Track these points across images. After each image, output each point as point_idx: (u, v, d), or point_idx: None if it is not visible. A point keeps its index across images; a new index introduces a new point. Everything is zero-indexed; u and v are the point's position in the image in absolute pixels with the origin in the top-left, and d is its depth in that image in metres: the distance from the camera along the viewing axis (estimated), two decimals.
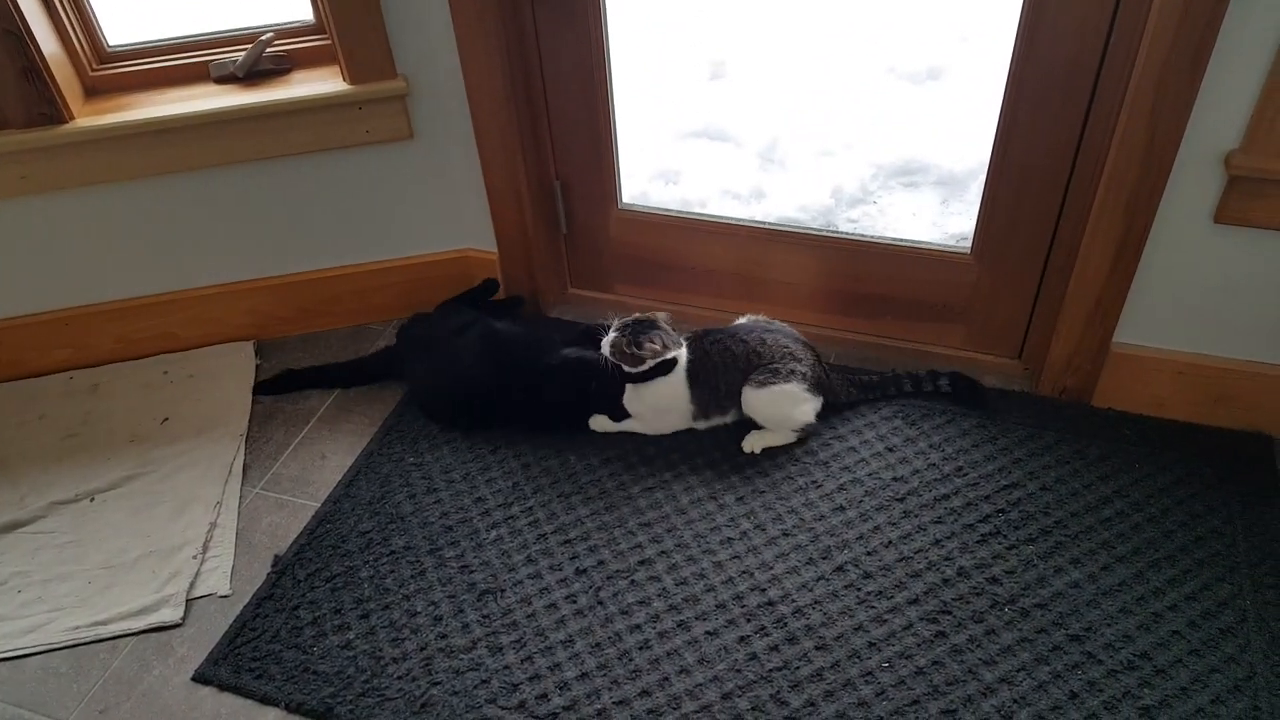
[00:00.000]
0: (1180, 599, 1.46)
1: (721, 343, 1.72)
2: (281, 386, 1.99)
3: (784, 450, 1.75)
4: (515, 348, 1.83)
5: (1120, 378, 1.76)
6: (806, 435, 1.76)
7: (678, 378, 1.70)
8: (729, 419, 1.77)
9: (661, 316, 1.71)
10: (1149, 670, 1.37)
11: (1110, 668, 1.37)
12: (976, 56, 2.94)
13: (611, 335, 1.68)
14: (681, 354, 1.70)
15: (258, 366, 2.06)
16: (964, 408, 1.81)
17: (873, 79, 2.94)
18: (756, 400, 1.70)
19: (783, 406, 1.70)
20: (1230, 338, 1.67)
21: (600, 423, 1.79)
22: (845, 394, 1.81)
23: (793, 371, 1.69)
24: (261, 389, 1.99)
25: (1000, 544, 1.55)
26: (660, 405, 1.73)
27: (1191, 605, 1.45)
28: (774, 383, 1.67)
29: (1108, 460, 1.69)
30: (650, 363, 1.66)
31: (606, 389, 1.73)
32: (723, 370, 1.71)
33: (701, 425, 1.77)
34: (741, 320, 1.83)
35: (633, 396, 1.74)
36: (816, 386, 1.73)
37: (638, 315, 1.70)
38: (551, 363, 1.76)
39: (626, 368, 1.67)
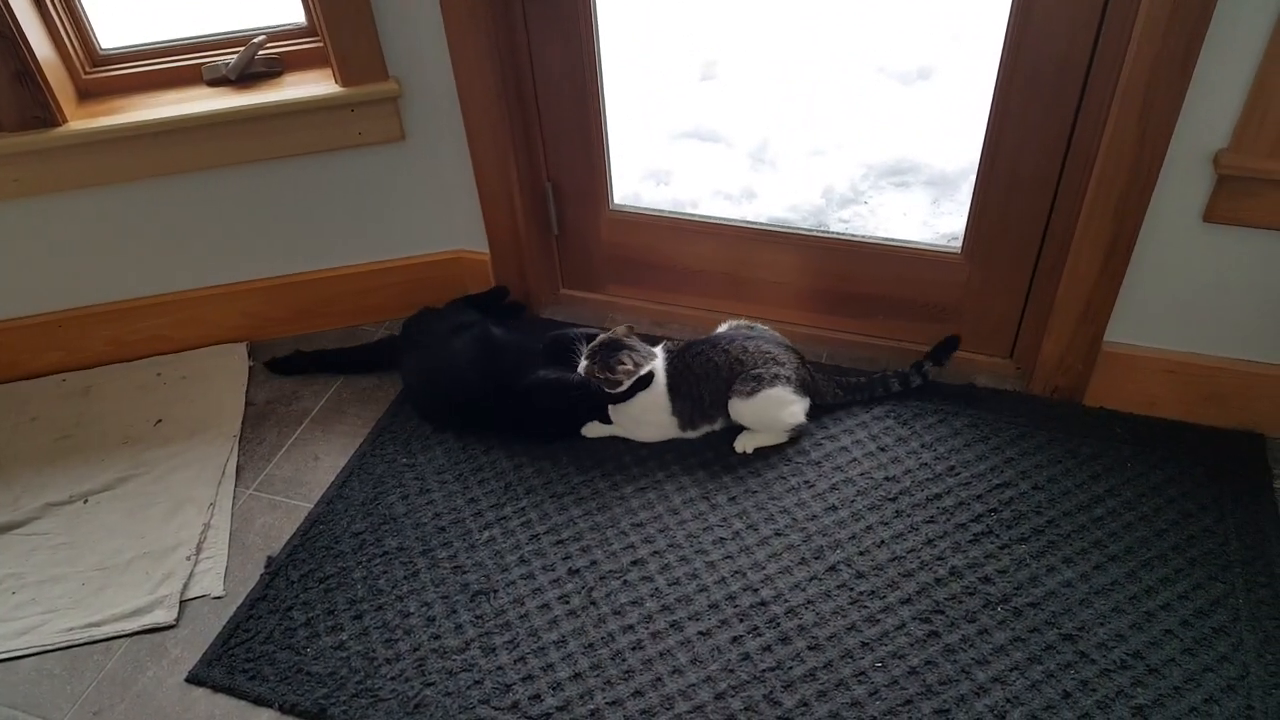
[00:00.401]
0: (1173, 598, 1.46)
1: (704, 354, 1.72)
2: (293, 368, 2.02)
3: (776, 450, 1.75)
4: (506, 356, 1.82)
5: (1111, 377, 1.76)
6: (798, 435, 1.76)
7: (658, 391, 1.70)
8: (718, 426, 1.77)
9: (621, 331, 1.72)
10: (1142, 669, 1.37)
11: (1103, 666, 1.38)
12: (967, 56, 2.94)
13: (582, 364, 1.68)
14: (658, 364, 1.70)
15: (250, 368, 2.06)
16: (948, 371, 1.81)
17: (863, 79, 2.95)
18: (745, 409, 1.70)
19: (771, 411, 1.70)
20: (1221, 336, 1.67)
21: (593, 428, 1.80)
22: (831, 395, 1.81)
23: (776, 376, 1.69)
24: (274, 366, 2.03)
25: (993, 543, 1.56)
26: (643, 419, 1.74)
27: (1184, 604, 1.45)
28: (759, 389, 1.68)
29: (1099, 459, 1.69)
30: (628, 383, 1.67)
31: (589, 402, 1.74)
32: (705, 380, 1.71)
33: (691, 434, 1.77)
34: (722, 328, 1.84)
35: (616, 412, 1.75)
36: (802, 387, 1.73)
37: (602, 338, 1.70)
38: (528, 385, 1.76)
39: (606, 390, 1.68)
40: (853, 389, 1.83)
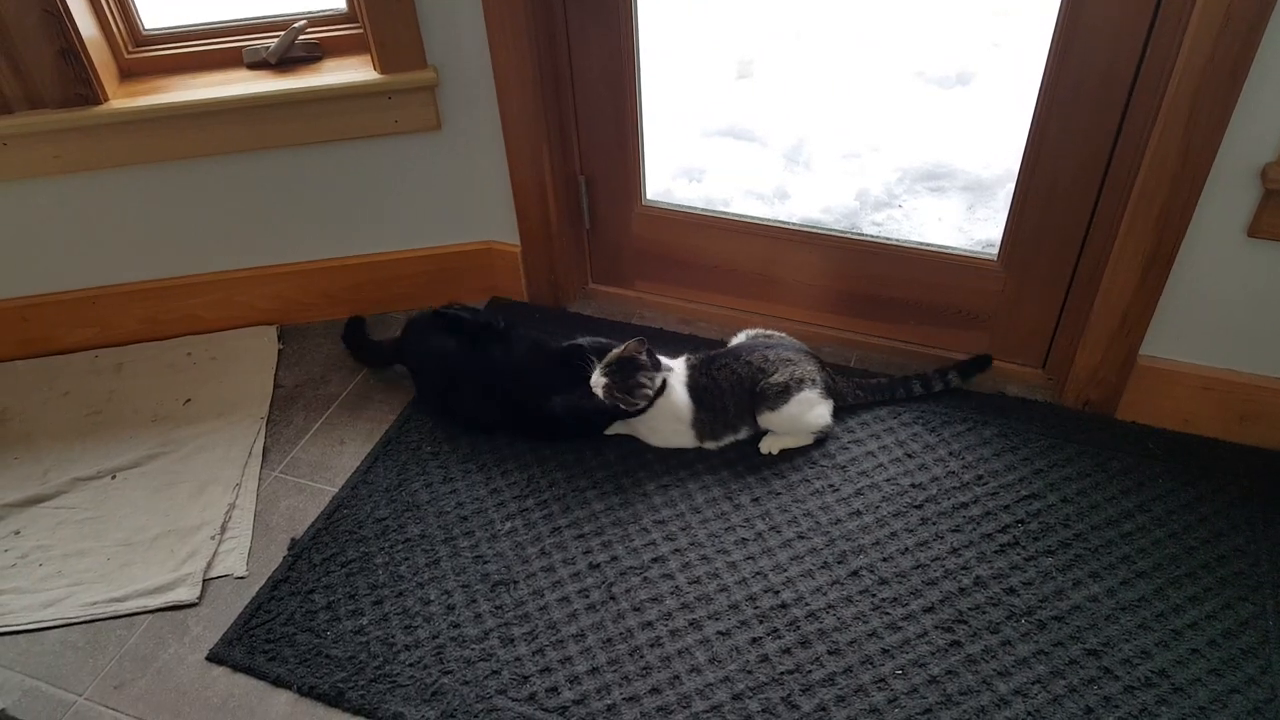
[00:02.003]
0: (1201, 617, 1.44)
1: (727, 366, 1.71)
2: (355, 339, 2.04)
3: (801, 453, 1.74)
4: (523, 378, 1.77)
5: (1146, 391, 1.74)
6: (824, 437, 1.75)
7: (679, 403, 1.68)
8: (741, 436, 1.75)
9: (633, 346, 1.64)
10: (1167, 688, 1.35)
11: (1127, 684, 1.36)
12: (1006, 62, 2.91)
13: (600, 380, 1.63)
14: (676, 374, 1.69)
15: (280, 351, 2.07)
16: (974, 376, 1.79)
17: (901, 82, 2.93)
18: (777, 418, 1.69)
19: (801, 415, 1.69)
20: (1261, 354, 1.64)
21: (614, 426, 1.78)
22: (853, 397, 1.80)
23: (801, 379, 1.68)
24: (349, 337, 2.06)
25: (1018, 555, 1.54)
26: (661, 428, 1.73)
27: (1212, 624, 1.43)
28: (789, 395, 1.67)
29: (1130, 474, 1.67)
30: (644, 404, 1.65)
31: (608, 416, 1.73)
32: (730, 393, 1.70)
33: (711, 446, 1.75)
34: (740, 338, 1.83)
35: (632, 421, 1.73)
36: (827, 390, 1.73)
37: (617, 353, 1.64)
38: (548, 412, 1.74)
39: (624, 409, 1.65)
40: (873, 389, 1.82)
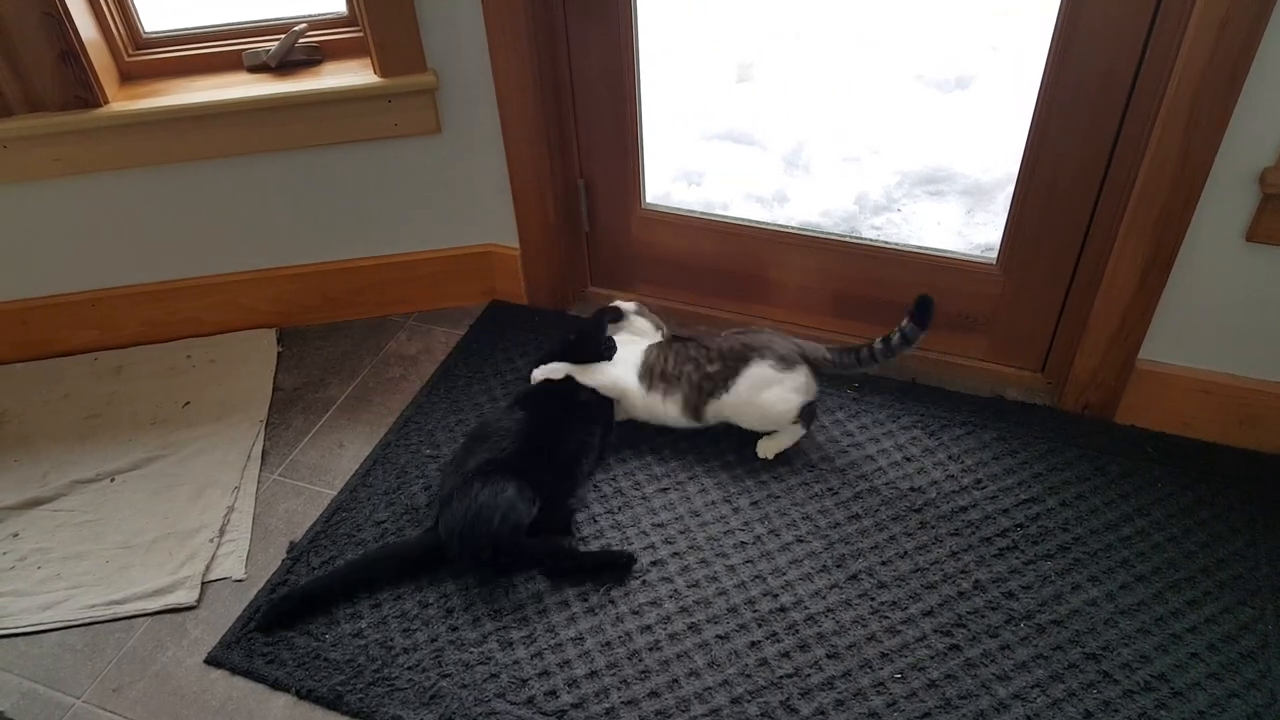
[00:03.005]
0: (1200, 621, 1.44)
1: (684, 341, 1.77)
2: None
3: (799, 456, 1.74)
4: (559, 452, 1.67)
5: (1145, 395, 1.74)
6: (810, 417, 1.71)
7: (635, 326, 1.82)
8: (670, 410, 1.71)
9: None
10: (1166, 692, 1.35)
11: (1126, 688, 1.36)
12: (1005, 65, 2.91)
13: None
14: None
15: (279, 354, 2.07)
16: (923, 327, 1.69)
17: (900, 86, 2.93)
18: (731, 402, 1.67)
19: (757, 397, 1.64)
20: (1260, 358, 1.64)
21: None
22: (822, 362, 1.69)
23: (748, 353, 1.65)
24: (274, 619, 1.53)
25: (1017, 559, 1.54)
26: (625, 355, 1.76)
27: (1211, 628, 1.43)
28: (737, 374, 1.65)
29: (1129, 478, 1.67)
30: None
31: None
32: (674, 358, 1.72)
33: (655, 399, 1.72)
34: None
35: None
36: (784, 361, 1.64)
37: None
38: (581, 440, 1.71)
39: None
40: (844, 352, 1.69)
